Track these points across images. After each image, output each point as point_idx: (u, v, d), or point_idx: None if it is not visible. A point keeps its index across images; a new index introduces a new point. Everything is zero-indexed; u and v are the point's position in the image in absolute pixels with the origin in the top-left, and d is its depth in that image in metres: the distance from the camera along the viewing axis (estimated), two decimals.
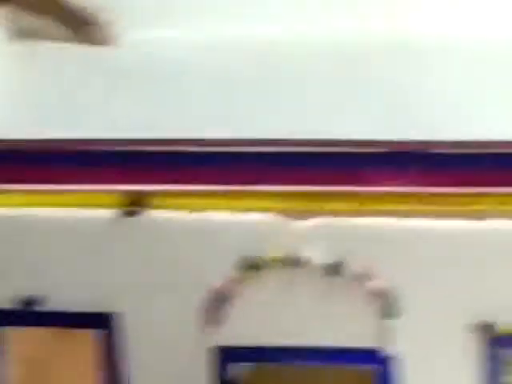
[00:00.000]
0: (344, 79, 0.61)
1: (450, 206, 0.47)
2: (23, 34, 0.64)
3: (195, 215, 0.48)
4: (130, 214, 0.49)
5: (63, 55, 0.69)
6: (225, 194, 0.48)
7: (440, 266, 0.47)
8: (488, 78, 0.61)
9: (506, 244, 0.47)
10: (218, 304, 0.48)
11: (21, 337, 0.51)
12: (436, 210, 0.48)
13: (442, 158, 0.47)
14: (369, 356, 0.47)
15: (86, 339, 0.50)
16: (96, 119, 0.54)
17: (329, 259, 0.47)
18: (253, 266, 0.47)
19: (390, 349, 0.47)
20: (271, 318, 0.48)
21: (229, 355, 0.48)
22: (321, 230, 0.48)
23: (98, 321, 0.49)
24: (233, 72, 0.62)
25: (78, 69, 0.67)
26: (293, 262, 0.47)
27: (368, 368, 0.48)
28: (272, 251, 0.47)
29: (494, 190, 0.47)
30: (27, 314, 0.49)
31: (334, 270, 0.47)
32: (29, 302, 0.49)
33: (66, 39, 0.63)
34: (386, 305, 0.47)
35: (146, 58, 0.65)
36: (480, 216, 0.47)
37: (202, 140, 0.46)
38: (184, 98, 0.60)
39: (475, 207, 0.46)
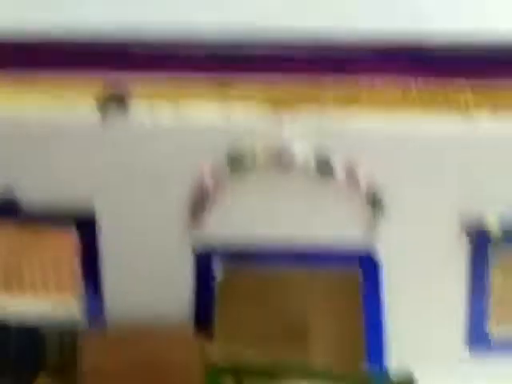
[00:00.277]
0: None
1: (438, 105, 0.46)
2: None
3: (180, 110, 0.47)
4: (112, 112, 0.47)
5: None
6: (211, 86, 0.47)
7: (428, 168, 0.47)
8: None
9: (495, 147, 0.47)
10: (202, 203, 0.47)
11: None
12: (425, 110, 0.47)
13: (433, 53, 0.46)
14: (355, 258, 0.47)
15: (64, 240, 0.49)
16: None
17: (316, 157, 0.46)
18: (238, 164, 0.46)
19: (375, 251, 0.47)
20: (256, 218, 0.48)
21: (211, 256, 0.48)
22: (308, 128, 0.47)
23: (77, 220, 0.48)
24: None
25: None
26: (279, 160, 0.46)
27: (354, 271, 0.48)
28: (259, 148, 0.46)
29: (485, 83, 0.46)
30: (4, 211, 0.49)
31: (320, 168, 0.46)
32: (6, 198, 0.48)
33: None
34: (373, 206, 0.47)
35: None
36: (469, 117, 0.46)
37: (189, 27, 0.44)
38: None
39: (464, 105, 0.46)
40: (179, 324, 0.48)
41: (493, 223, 0.47)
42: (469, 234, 0.47)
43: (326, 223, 0.47)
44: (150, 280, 0.49)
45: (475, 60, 0.45)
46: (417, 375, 0.44)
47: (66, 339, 0.46)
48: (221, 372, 0.42)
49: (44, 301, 0.51)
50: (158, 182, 0.47)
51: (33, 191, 0.48)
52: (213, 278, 0.49)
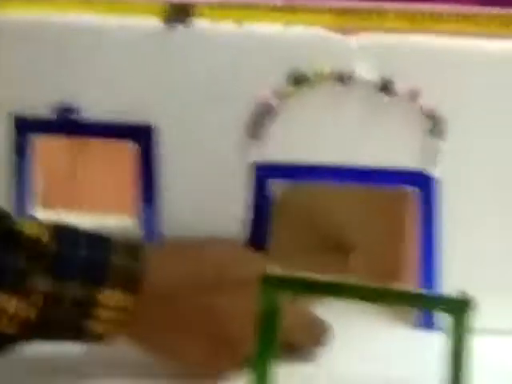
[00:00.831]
0: None
1: (504, 26, 0.47)
2: None
3: (244, 27, 0.47)
4: (175, 22, 0.48)
5: None
6: (275, 8, 0.48)
7: (491, 91, 0.47)
8: None
9: None
10: (262, 118, 0.47)
11: (51, 146, 0.51)
12: (490, 31, 0.47)
13: None
14: (412, 177, 0.48)
15: (122, 151, 0.50)
16: None
17: (378, 76, 0.46)
18: (300, 80, 0.46)
19: (434, 170, 0.48)
20: (315, 135, 0.48)
21: (268, 171, 0.48)
22: (371, 46, 0.46)
23: (135, 132, 0.48)
24: None
25: None
26: (342, 78, 0.46)
27: (410, 188, 0.48)
28: (321, 66, 0.47)
29: None
30: (60, 123, 0.49)
31: (382, 87, 0.46)
32: (62, 110, 0.49)
33: None
34: (433, 125, 0.47)
35: None
36: None
37: None
38: None
39: None
40: (236, 239, 0.49)
41: None
42: None
43: (385, 141, 0.48)
44: (207, 196, 0.50)
45: None
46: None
47: (129, 252, 0.46)
48: (278, 283, 0.42)
49: (103, 218, 0.53)
50: (219, 94, 0.48)
51: (89, 103, 0.49)
52: (270, 196, 0.49)
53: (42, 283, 0.43)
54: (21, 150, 0.49)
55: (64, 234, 0.45)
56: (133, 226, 0.51)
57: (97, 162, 0.50)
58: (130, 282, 0.44)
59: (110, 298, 0.43)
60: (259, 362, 0.41)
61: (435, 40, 0.46)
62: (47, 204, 0.50)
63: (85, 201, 0.51)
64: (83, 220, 0.49)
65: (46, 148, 0.49)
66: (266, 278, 0.41)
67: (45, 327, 0.44)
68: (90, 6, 0.47)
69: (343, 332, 0.49)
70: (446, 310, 0.40)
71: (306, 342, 0.49)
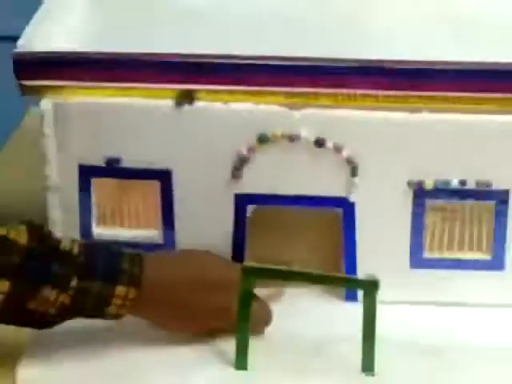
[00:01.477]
0: None
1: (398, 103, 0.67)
2: None
3: (229, 105, 0.66)
4: (182, 103, 0.69)
5: None
6: (249, 91, 0.66)
7: (391, 150, 0.67)
8: None
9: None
10: (240, 165, 0.68)
11: (105, 185, 0.72)
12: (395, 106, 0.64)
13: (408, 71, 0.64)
14: (339, 201, 0.69)
15: (151, 187, 0.68)
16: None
17: (314, 136, 0.67)
18: (264, 140, 0.67)
19: (352, 197, 0.70)
20: (275, 176, 0.69)
21: (244, 199, 0.67)
22: (311, 117, 0.69)
23: (159, 175, 0.66)
24: None
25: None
26: (291, 138, 0.66)
27: (339, 209, 0.68)
28: (277, 130, 0.67)
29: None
30: (110, 169, 0.69)
31: (317, 144, 0.67)
32: (112, 160, 0.67)
33: None
34: (352, 168, 0.69)
35: None
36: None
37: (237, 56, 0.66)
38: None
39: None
40: (222, 252, 0.68)
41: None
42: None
43: (321, 179, 0.68)
44: (205, 216, 0.70)
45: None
46: None
47: (133, 260, 0.62)
48: (253, 272, 0.63)
49: (138, 232, 0.71)
50: (212, 151, 0.67)
51: (128, 155, 0.68)
52: (246, 217, 0.70)
53: (73, 282, 0.58)
54: (85, 188, 0.69)
55: (89, 248, 0.62)
56: (157, 236, 0.71)
57: (135, 195, 0.70)
58: (134, 281, 0.60)
59: (122, 291, 0.59)
60: (240, 330, 0.62)
61: (352, 112, 0.67)
62: (102, 223, 0.71)
63: (126, 220, 0.71)
64: (125, 233, 0.71)
65: (100, 186, 0.70)
66: (245, 268, 0.62)
67: (76, 310, 0.60)
68: (125, 92, 0.66)
69: (297, 304, 0.71)
70: (361, 287, 0.62)
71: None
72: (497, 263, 0.68)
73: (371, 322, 0.60)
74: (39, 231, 0.60)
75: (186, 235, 0.70)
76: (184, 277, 0.64)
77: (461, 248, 0.68)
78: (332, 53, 0.65)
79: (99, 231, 0.70)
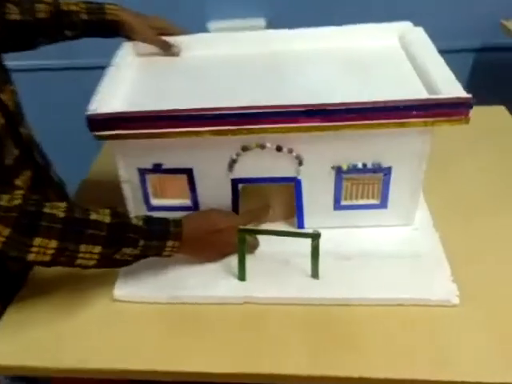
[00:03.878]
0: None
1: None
2: None
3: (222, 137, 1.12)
4: None
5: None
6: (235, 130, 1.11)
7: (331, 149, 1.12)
8: None
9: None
10: (233, 163, 1.13)
11: (152, 178, 1.17)
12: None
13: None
14: (291, 179, 1.05)
15: (181, 178, 1.15)
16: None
17: (276, 145, 1.12)
18: (245, 149, 1.12)
19: (299, 177, 1.13)
20: (255, 168, 1.12)
21: (238, 181, 1.04)
22: (272, 136, 1.10)
23: (186, 171, 1.10)
24: None
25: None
26: (262, 146, 1.12)
27: (291, 184, 1.04)
28: (252, 144, 1.12)
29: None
30: (155, 170, 1.14)
31: (278, 149, 1.11)
32: (156, 165, 1.06)
33: None
34: (299, 161, 1.12)
35: None
36: None
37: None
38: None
39: None
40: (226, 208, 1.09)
41: None
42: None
43: (280, 169, 1.12)
44: (214, 193, 1.12)
45: None
46: None
47: (175, 222, 0.97)
48: (244, 231, 0.99)
49: (175, 201, 1.11)
50: (216, 157, 1.13)
51: (166, 162, 1.15)
52: (238, 191, 1.12)
53: (141, 242, 0.88)
54: (143, 180, 1.10)
55: (148, 220, 0.92)
56: (188, 203, 1.09)
57: (172, 182, 1.10)
58: (177, 237, 0.92)
59: (170, 244, 0.91)
60: (240, 255, 1.07)
61: (298, 133, 1.09)
62: (155, 197, 1.13)
63: (169, 195, 1.14)
64: (170, 202, 1.14)
65: (151, 178, 1.11)
66: (240, 229, 1.08)
67: (143, 256, 0.91)
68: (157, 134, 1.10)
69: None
70: (309, 237, 1.09)
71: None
72: (382, 205, 1.09)
73: (316, 249, 0.97)
74: (117, 213, 0.88)
75: (204, 202, 1.10)
76: (204, 226, 0.97)
77: (362, 198, 1.11)
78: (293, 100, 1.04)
79: (155, 202, 1.12)
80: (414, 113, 0.93)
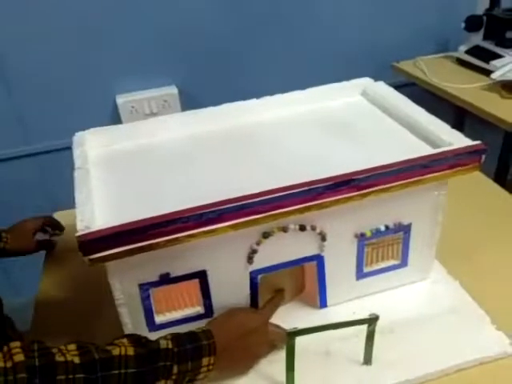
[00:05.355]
0: None
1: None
2: None
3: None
4: None
5: None
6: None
7: None
8: None
9: None
10: (252, 253, 0.97)
11: (158, 291, 0.94)
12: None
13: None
14: (314, 257, 1.03)
15: (192, 283, 0.96)
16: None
17: (299, 225, 0.98)
18: (266, 235, 0.97)
19: (322, 253, 1.04)
20: (276, 253, 1.00)
21: (256, 272, 0.96)
22: (295, 216, 0.95)
23: (198, 275, 0.93)
24: None
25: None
26: (284, 229, 0.97)
27: (312, 263, 1.04)
28: (275, 228, 0.97)
29: None
30: (162, 281, 0.92)
31: (301, 228, 0.98)
32: (162, 275, 0.90)
33: None
34: (322, 236, 1.01)
35: None
36: None
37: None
38: None
39: None
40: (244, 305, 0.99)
41: None
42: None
43: (302, 249, 1.02)
44: (234, 290, 0.97)
45: None
46: None
47: (205, 334, 0.84)
48: (295, 333, 0.85)
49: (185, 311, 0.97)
50: (233, 250, 0.94)
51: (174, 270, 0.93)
52: (257, 283, 0.99)
53: (174, 369, 0.74)
54: (145, 297, 0.90)
55: (176, 338, 0.78)
56: (200, 310, 0.96)
57: (181, 290, 0.94)
58: (212, 350, 0.79)
59: (207, 360, 0.78)
60: (289, 369, 0.88)
61: (320, 210, 0.98)
62: (160, 314, 0.96)
63: (175, 305, 0.96)
64: (177, 314, 0.95)
65: (156, 292, 0.92)
66: (289, 332, 0.88)
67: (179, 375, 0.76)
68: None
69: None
70: (366, 323, 0.96)
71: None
72: (403, 264, 1.05)
73: (372, 333, 0.89)
74: (139, 339, 0.74)
75: (219, 304, 0.95)
76: (235, 329, 0.85)
77: (383, 260, 1.06)
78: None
79: (160, 319, 0.94)
80: (435, 167, 0.90)
